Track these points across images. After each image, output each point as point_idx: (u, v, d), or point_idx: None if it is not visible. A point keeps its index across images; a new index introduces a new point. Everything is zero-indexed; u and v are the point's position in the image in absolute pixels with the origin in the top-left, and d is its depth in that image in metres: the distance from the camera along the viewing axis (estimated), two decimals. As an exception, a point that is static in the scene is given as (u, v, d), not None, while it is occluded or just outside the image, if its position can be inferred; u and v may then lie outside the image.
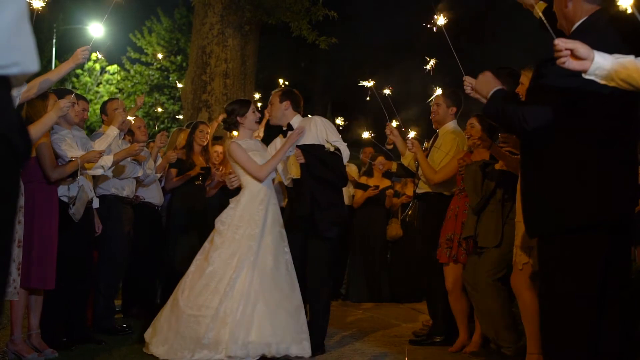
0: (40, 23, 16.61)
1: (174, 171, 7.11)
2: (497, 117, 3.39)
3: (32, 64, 1.59)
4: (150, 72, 19.66)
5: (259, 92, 8.22)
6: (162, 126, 18.09)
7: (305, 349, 4.83)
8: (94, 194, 5.66)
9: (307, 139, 5.29)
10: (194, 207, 7.11)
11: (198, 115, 9.93)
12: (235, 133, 5.42)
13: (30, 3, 4.31)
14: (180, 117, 7.62)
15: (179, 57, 19.36)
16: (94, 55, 11.89)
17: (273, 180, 5.42)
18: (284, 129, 5.54)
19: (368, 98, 6.07)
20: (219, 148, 7.55)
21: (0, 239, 1.56)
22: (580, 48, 2.71)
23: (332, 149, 5.21)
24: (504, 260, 4.76)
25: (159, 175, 6.86)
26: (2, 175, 1.56)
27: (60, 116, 4.99)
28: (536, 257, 3.88)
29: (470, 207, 5.10)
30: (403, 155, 6.29)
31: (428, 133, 6.63)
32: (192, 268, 5.09)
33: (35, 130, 4.69)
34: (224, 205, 7.42)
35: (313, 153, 5.19)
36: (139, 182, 6.58)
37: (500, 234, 4.86)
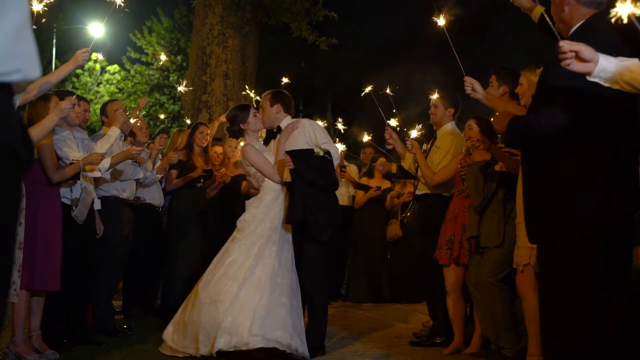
0: (40, 23, 16.58)
1: (174, 172, 7.11)
2: (517, 138, 3.36)
3: (34, 71, 1.59)
4: (150, 72, 19.67)
5: (255, 93, 8.22)
6: (162, 126, 18.09)
7: (306, 349, 4.88)
8: (95, 195, 5.66)
9: (297, 143, 5.29)
10: (194, 208, 7.12)
11: (198, 116, 9.93)
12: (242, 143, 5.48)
13: (30, 6, 4.31)
14: (188, 121, 7.63)
15: (179, 57, 19.36)
16: (94, 55, 11.86)
17: None
18: (275, 131, 5.57)
19: (369, 95, 6.06)
20: (218, 149, 7.55)
21: (3, 245, 1.56)
22: (585, 50, 2.72)
23: (321, 153, 5.20)
24: (506, 260, 4.76)
25: (159, 176, 6.86)
26: (5, 183, 1.56)
27: (61, 118, 5.00)
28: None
29: (473, 207, 5.10)
30: (403, 158, 6.29)
31: (429, 133, 6.64)
32: (211, 267, 5.14)
33: (37, 132, 4.69)
34: (224, 205, 7.48)
35: (302, 158, 5.19)
36: (139, 183, 6.58)
37: (502, 233, 4.87)
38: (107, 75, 19.88)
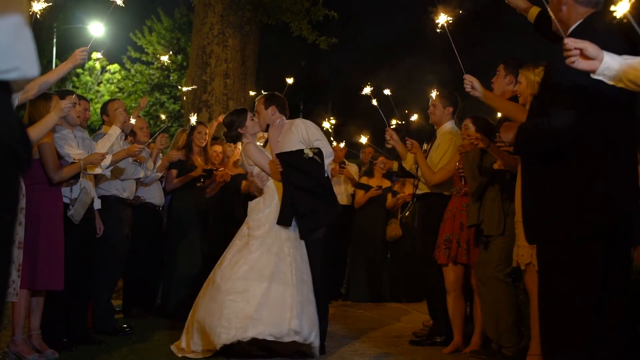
0: (40, 22, 16.58)
1: (174, 172, 7.11)
2: (529, 144, 3.33)
3: (32, 69, 1.59)
4: (150, 71, 19.67)
5: (253, 91, 8.26)
6: (162, 125, 18.09)
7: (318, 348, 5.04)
8: (95, 194, 5.66)
9: (291, 143, 5.31)
10: (194, 207, 7.12)
11: (198, 116, 9.92)
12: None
13: (30, 6, 4.31)
14: (193, 120, 7.62)
15: (179, 57, 19.36)
16: (94, 55, 11.85)
17: None
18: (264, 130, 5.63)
19: (370, 94, 6.06)
20: (218, 148, 7.56)
21: (1, 246, 1.56)
22: (590, 48, 2.71)
23: (310, 154, 5.20)
24: (510, 251, 4.74)
25: (159, 175, 6.86)
26: (3, 182, 1.56)
27: (62, 117, 5.00)
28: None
29: (470, 193, 5.11)
30: (404, 159, 6.29)
31: (430, 132, 6.64)
32: (227, 262, 5.10)
33: (37, 131, 4.69)
34: (224, 205, 7.48)
35: (290, 163, 5.21)
36: (140, 182, 6.59)
37: (504, 222, 4.87)
38: (107, 75, 19.89)
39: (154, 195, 6.89)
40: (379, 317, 7.44)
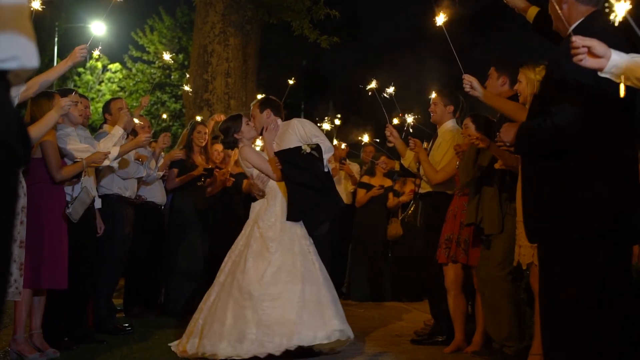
0: (42, 21, 16.61)
1: (175, 171, 7.12)
2: (530, 143, 3.32)
3: (31, 59, 1.57)
4: (152, 70, 19.66)
5: (260, 92, 8.24)
6: (163, 125, 18.09)
7: None
8: (96, 193, 5.66)
9: (290, 143, 5.33)
10: (195, 207, 7.12)
11: (200, 115, 9.92)
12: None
13: (30, 4, 4.31)
14: (199, 118, 7.63)
15: (180, 56, 19.35)
16: (95, 54, 11.82)
17: None
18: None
19: (370, 93, 6.06)
20: (219, 147, 7.54)
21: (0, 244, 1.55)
22: (597, 46, 2.70)
23: (308, 150, 5.22)
24: (511, 251, 4.73)
25: (161, 174, 6.86)
26: (1, 181, 1.55)
27: (64, 115, 5.01)
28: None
29: (460, 186, 5.11)
30: (403, 156, 6.29)
31: (431, 130, 6.63)
32: (249, 267, 5.01)
33: (38, 129, 4.69)
34: (225, 204, 7.48)
35: (288, 160, 5.23)
36: (141, 180, 6.59)
37: (502, 220, 4.87)
38: (108, 74, 19.89)
39: (156, 195, 6.89)
40: (380, 316, 7.44)
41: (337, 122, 8.46)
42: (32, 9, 4.34)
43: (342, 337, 4.95)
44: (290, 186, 5.19)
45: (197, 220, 7.11)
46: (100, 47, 5.32)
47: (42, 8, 4.46)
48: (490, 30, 16.17)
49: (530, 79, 4.45)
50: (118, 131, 5.78)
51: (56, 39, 18.39)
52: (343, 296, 9.17)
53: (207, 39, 10.27)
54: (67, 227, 5.05)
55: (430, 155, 5.87)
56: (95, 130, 8.21)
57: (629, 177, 3.13)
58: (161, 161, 6.89)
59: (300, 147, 5.23)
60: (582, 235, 3.08)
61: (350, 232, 9.07)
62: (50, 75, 4.84)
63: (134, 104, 17.69)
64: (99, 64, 19.65)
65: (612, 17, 2.63)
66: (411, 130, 6.35)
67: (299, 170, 5.21)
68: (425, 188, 5.90)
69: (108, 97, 18.00)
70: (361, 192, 9.03)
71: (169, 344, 5.26)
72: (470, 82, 4.28)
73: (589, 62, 2.73)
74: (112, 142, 5.70)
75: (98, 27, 5.87)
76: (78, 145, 5.31)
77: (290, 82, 6.82)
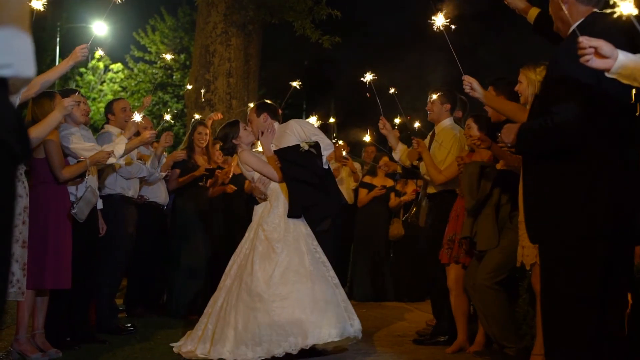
0: (43, 21, 16.62)
1: (177, 171, 7.12)
2: (530, 143, 3.32)
3: (27, 68, 1.55)
4: (153, 70, 19.66)
5: (262, 92, 8.27)
6: (165, 125, 18.09)
7: None
8: (97, 193, 5.66)
9: (289, 144, 5.37)
10: (197, 207, 7.13)
11: (202, 115, 9.93)
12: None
13: (30, 3, 4.32)
14: (198, 117, 7.59)
15: (182, 56, 19.35)
16: (97, 54, 11.86)
17: None
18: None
19: (368, 95, 6.06)
20: (220, 146, 7.55)
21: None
22: (604, 46, 2.70)
23: (306, 147, 5.26)
24: (506, 265, 4.82)
25: (163, 174, 6.86)
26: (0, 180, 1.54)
27: (67, 115, 5.02)
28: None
29: (466, 209, 5.13)
30: (394, 149, 6.31)
31: (428, 128, 6.64)
32: (256, 269, 5.01)
33: (40, 130, 4.70)
34: (227, 204, 7.48)
35: (286, 157, 5.26)
36: (144, 180, 6.59)
37: (497, 237, 4.89)
38: (110, 74, 19.88)
39: (158, 195, 6.90)
40: (382, 316, 7.43)
41: (336, 119, 8.46)
42: (33, 9, 4.34)
43: (352, 335, 4.99)
44: (290, 183, 5.22)
45: (199, 221, 7.11)
46: (104, 49, 5.33)
47: (44, 7, 4.46)
48: (492, 30, 16.14)
49: (531, 80, 4.44)
50: (122, 141, 5.73)
51: (58, 39, 18.38)
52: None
53: (209, 39, 10.27)
54: (70, 228, 5.05)
55: (432, 152, 5.86)
56: (97, 130, 8.22)
57: (630, 177, 3.12)
58: (164, 161, 6.89)
59: (298, 145, 5.27)
60: (583, 235, 3.07)
61: (352, 232, 9.07)
62: (51, 75, 4.85)
63: (136, 104, 17.70)
64: (101, 64, 19.65)
65: (614, 15, 2.63)
66: (415, 129, 6.35)
67: (298, 168, 5.24)
68: (432, 189, 5.89)
69: (110, 97, 18.00)
70: (363, 193, 9.03)
71: (171, 344, 5.26)
72: (470, 83, 4.28)
73: (595, 62, 2.73)
74: (113, 148, 5.69)
75: (100, 27, 5.88)
76: (84, 144, 5.32)
77: (294, 84, 6.82)
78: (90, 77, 19.78)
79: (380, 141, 9.49)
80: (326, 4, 10.41)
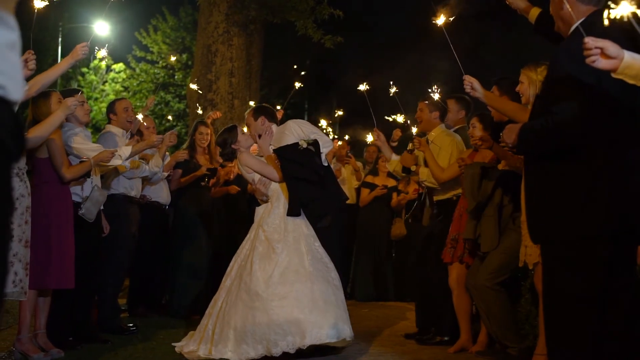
0: (45, 21, 16.61)
1: (179, 171, 7.12)
2: (532, 144, 3.31)
3: (16, 91, 1.58)
4: (155, 70, 19.68)
5: (264, 92, 8.27)
6: (167, 124, 18.11)
7: None
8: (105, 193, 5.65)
9: (288, 143, 5.39)
10: (199, 207, 7.12)
11: (204, 115, 9.93)
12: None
13: (32, 4, 4.32)
14: (200, 112, 7.58)
15: (184, 56, 19.36)
16: (99, 54, 11.81)
17: None
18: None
19: (373, 92, 6.09)
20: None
21: None
22: (610, 47, 2.69)
23: (304, 145, 5.29)
24: (507, 266, 4.83)
25: (166, 174, 6.86)
26: None
27: (71, 115, 5.02)
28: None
29: (467, 211, 5.13)
30: (388, 161, 6.33)
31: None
32: (255, 269, 5.02)
33: (43, 129, 4.70)
34: (229, 204, 7.47)
35: (286, 156, 5.29)
36: (146, 180, 6.59)
37: (498, 238, 4.90)
38: (112, 74, 19.89)
39: (161, 194, 6.90)
40: (384, 316, 7.43)
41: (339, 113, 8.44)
42: (35, 8, 4.34)
43: (348, 337, 4.97)
44: (289, 181, 5.24)
45: (201, 221, 7.11)
46: (107, 49, 5.31)
47: (46, 6, 4.46)
48: (493, 30, 16.12)
49: (532, 80, 4.44)
50: (127, 151, 5.69)
51: (60, 39, 18.38)
52: (347, 296, 9.16)
53: (210, 39, 10.28)
54: (73, 227, 5.05)
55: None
56: (99, 130, 8.22)
57: (631, 177, 3.12)
58: (167, 160, 6.89)
59: (297, 143, 5.30)
60: (584, 235, 3.07)
61: (354, 232, 9.07)
62: (52, 74, 4.84)
63: (138, 104, 17.71)
64: (103, 64, 19.66)
65: (612, 15, 2.62)
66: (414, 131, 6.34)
67: (297, 165, 5.26)
68: (438, 195, 5.84)
69: (112, 97, 18.02)
70: (365, 192, 9.02)
71: (173, 344, 5.26)
72: (470, 82, 4.27)
73: (601, 63, 2.72)
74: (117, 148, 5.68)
75: (101, 27, 5.88)
76: (89, 144, 5.31)
77: (297, 84, 6.84)
78: (92, 77, 19.80)
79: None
80: (328, 3, 10.41)
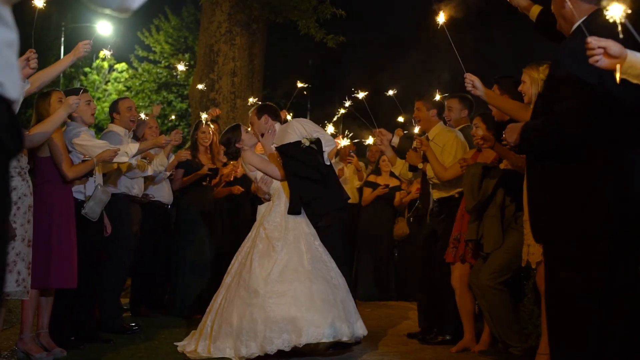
0: (48, 21, 16.63)
1: (181, 171, 7.12)
2: (534, 143, 3.31)
3: (12, 89, 1.57)
4: (158, 70, 19.69)
5: (266, 92, 8.26)
6: (170, 124, 18.11)
7: None
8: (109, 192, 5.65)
9: (291, 142, 5.40)
10: (201, 206, 7.12)
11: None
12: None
13: (33, 3, 4.32)
14: (203, 117, 7.58)
15: (187, 55, 19.37)
16: (102, 54, 11.87)
17: None
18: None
19: (374, 93, 6.09)
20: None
21: None
22: (613, 46, 2.69)
23: (307, 144, 5.30)
24: (510, 265, 4.82)
25: (168, 174, 6.86)
26: None
27: (77, 115, 5.03)
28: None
29: (466, 210, 5.12)
30: (393, 164, 6.33)
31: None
32: (255, 266, 5.03)
33: (45, 127, 4.70)
34: (231, 204, 7.47)
35: (288, 153, 5.30)
36: (149, 179, 6.59)
37: (501, 238, 4.89)
38: (115, 74, 19.91)
39: (163, 194, 6.90)
40: (386, 315, 7.43)
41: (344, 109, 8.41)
42: (34, 6, 4.34)
43: (345, 337, 4.93)
44: (290, 179, 5.25)
45: (204, 220, 7.11)
46: (111, 50, 5.31)
47: (49, 6, 4.46)
48: (495, 29, 16.11)
49: (534, 79, 4.43)
50: (133, 150, 5.70)
51: (62, 39, 18.39)
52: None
53: (213, 39, 10.28)
54: (75, 227, 5.05)
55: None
56: (101, 130, 8.23)
57: (631, 176, 3.11)
58: (172, 159, 6.89)
59: (299, 141, 5.31)
60: (586, 235, 3.07)
61: (356, 231, 9.06)
62: (53, 71, 4.84)
63: (140, 104, 17.71)
64: (105, 64, 19.67)
65: (607, 17, 2.61)
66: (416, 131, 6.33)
67: (298, 163, 5.27)
68: (440, 194, 5.83)
69: (114, 96, 18.01)
70: (367, 191, 9.02)
71: (176, 344, 5.27)
72: (472, 81, 4.26)
73: (604, 63, 2.71)
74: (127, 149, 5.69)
75: (104, 27, 5.88)
76: (96, 141, 5.31)
77: (300, 84, 6.84)
78: (95, 76, 19.81)
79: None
80: (330, 3, 10.40)
